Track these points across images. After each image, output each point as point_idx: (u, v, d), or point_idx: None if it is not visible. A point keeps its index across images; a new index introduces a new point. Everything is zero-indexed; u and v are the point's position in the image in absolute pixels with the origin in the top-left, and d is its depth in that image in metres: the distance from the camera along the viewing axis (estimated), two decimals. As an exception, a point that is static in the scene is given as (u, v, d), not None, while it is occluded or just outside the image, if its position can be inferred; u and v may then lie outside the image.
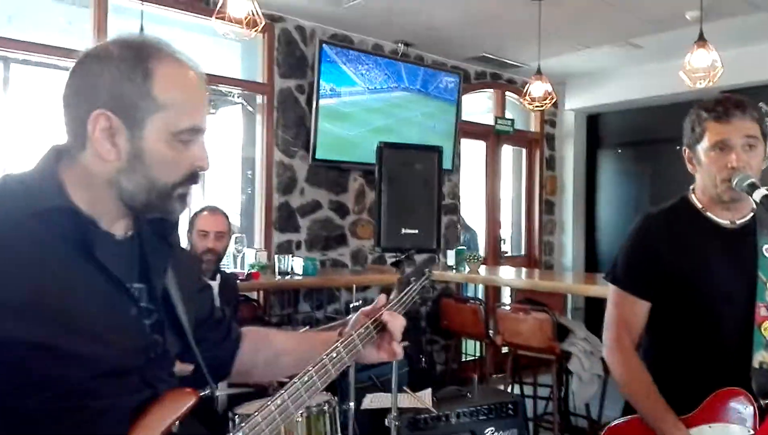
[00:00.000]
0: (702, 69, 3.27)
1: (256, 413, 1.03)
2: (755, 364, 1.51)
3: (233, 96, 4.53)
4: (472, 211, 6.34)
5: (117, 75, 0.94)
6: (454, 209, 5.70)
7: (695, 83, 3.28)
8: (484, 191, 6.22)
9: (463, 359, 5.46)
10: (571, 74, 6.13)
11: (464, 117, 5.71)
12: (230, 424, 2.27)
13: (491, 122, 6.09)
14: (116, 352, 0.95)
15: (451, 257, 4.64)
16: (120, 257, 0.99)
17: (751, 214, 1.60)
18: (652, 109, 5.86)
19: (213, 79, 4.33)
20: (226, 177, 4.70)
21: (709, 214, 1.60)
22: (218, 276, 2.83)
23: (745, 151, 1.52)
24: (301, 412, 2.22)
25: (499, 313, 3.73)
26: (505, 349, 3.91)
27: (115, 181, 0.97)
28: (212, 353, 1.17)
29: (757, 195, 1.44)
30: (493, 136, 6.15)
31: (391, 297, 1.32)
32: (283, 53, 4.48)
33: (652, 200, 6.27)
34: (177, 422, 0.98)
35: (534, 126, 6.59)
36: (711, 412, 1.50)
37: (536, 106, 4.42)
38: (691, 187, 1.67)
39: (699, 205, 1.62)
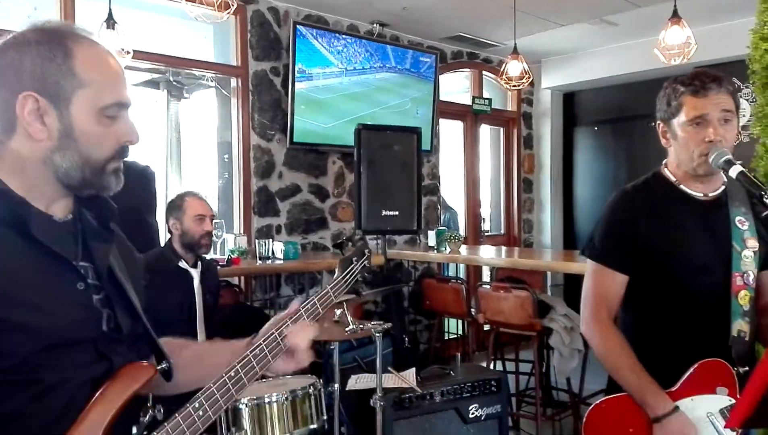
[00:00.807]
0: (676, 46, 3.29)
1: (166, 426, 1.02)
2: (734, 332, 1.54)
3: (206, 79, 4.46)
4: (452, 191, 6.36)
5: (38, 57, 0.97)
6: (434, 190, 5.71)
7: (670, 60, 3.31)
8: (463, 171, 6.23)
9: (446, 338, 5.51)
10: (547, 52, 6.14)
11: (442, 97, 5.70)
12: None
13: (469, 102, 6.08)
14: (65, 324, 0.96)
15: (431, 238, 4.66)
16: (61, 237, 1.01)
17: (723, 187, 1.62)
18: (628, 86, 5.91)
19: (186, 62, 4.26)
20: (203, 161, 4.65)
21: (683, 187, 1.62)
22: (199, 263, 2.80)
23: (721, 124, 1.53)
24: (284, 395, 2.23)
25: (481, 291, 3.76)
26: (487, 327, 3.96)
27: (49, 160, 0.99)
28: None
29: (734, 171, 1.46)
30: (471, 115, 6.14)
31: (334, 277, 1.34)
32: (257, 35, 4.41)
33: (629, 177, 6.34)
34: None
35: (511, 105, 6.60)
36: (692, 384, 1.53)
37: (513, 86, 4.42)
38: (664, 162, 1.68)
39: (673, 179, 1.63)
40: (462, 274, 5.88)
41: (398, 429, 2.68)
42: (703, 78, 1.55)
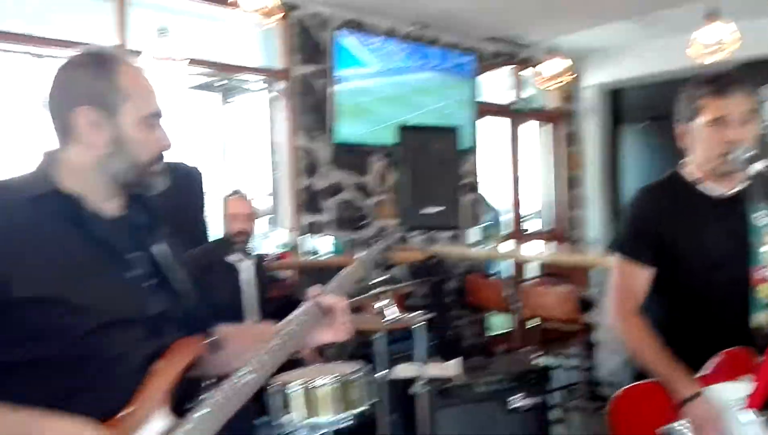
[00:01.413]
0: (713, 43, 3.24)
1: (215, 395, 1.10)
2: (754, 324, 1.57)
3: (248, 83, 4.62)
4: (495, 189, 6.38)
5: (90, 76, 1.13)
6: (474, 188, 5.74)
7: (704, 58, 3.26)
8: (506, 169, 6.24)
9: (491, 334, 5.54)
10: (590, 50, 6.08)
11: (483, 96, 5.73)
12: (264, 393, 2.37)
13: (510, 100, 6.10)
14: (115, 305, 1.09)
15: (474, 234, 4.70)
16: (113, 231, 1.15)
17: (741, 185, 1.63)
18: (676, 83, 5.77)
19: (234, 68, 4.44)
20: (254, 161, 4.82)
21: (701, 186, 1.66)
22: (248, 258, 2.94)
23: (741, 125, 1.56)
24: (334, 379, 2.33)
25: (523, 287, 3.79)
26: (532, 323, 3.98)
27: (103, 164, 1.14)
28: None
29: (756, 167, 1.49)
30: (513, 114, 6.15)
31: (359, 256, 1.43)
32: (300, 40, 4.56)
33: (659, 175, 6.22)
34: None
35: (555, 102, 6.57)
36: (716, 373, 1.57)
37: (550, 84, 4.43)
38: (681, 162, 1.72)
39: (691, 179, 1.67)
40: (506, 271, 5.89)
41: (441, 417, 2.74)
42: (724, 79, 1.58)
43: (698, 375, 1.59)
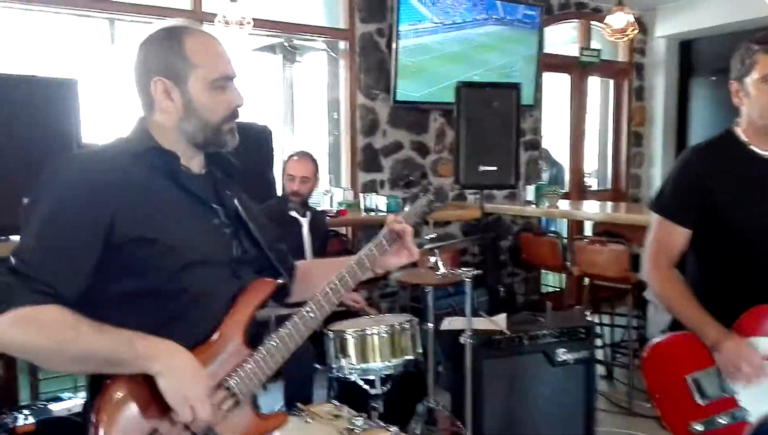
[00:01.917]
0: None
1: (282, 329, 1.32)
2: None
3: (317, 43, 4.74)
4: (558, 145, 6.32)
5: (160, 51, 1.28)
6: (536, 145, 5.73)
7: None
8: (569, 125, 6.16)
9: (545, 292, 5.61)
10: (661, 0, 5.83)
11: (548, 49, 5.63)
12: (325, 338, 2.60)
13: (576, 54, 5.96)
14: (204, 247, 1.28)
15: (530, 192, 4.74)
16: (200, 185, 1.33)
17: None
18: (749, 33, 5.47)
19: (298, 28, 4.58)
20: (315, 121, 5.00)
21: (752, 147, 1.67)
22: (308, 213, 3.14)
23: None
24: (385, 329, 2.52)
25: (577, 245, 3.85)
26: (585, 282, 4.04)
27: (179, 127, 1.29)
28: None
29: None
30: (579, 68, 6.02)
31: (404, 211, 1.57)
32: (363, -2, 4.63)
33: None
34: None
35: (622, 55, 6.37)
36: (749, 327, 1.62)
37: (617, 38, 4.32)
38: (736, 120, 1.73)
39: (743, 138, 1.68)
40: (564, 230, 5.91)
41: (487, 366, 2.90)
42: None
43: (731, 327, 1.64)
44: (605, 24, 4.29)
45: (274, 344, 1.30)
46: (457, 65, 4.89)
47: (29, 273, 1.10)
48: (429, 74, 4.79)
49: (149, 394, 1.15)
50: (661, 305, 1.77)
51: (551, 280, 5.41)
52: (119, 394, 1.15)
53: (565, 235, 5.22)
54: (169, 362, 1.15)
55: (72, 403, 2.56)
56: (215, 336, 1.27)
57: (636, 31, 4.29)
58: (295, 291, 1.54)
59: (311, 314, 1.34)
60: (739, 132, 1.70)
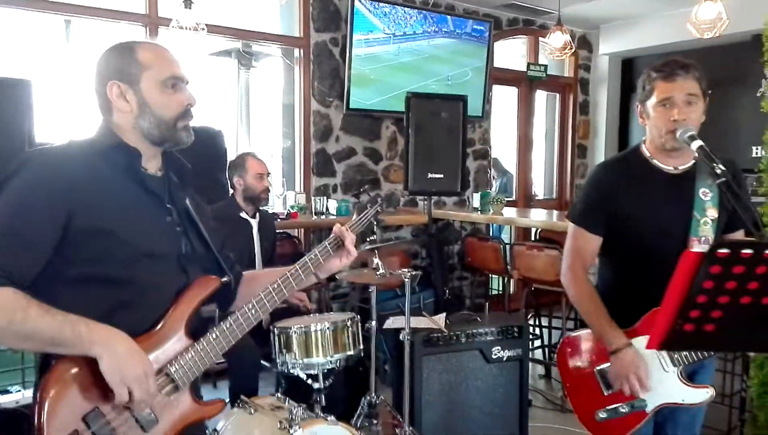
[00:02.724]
0: (708, 20, 3.38)
1: (222, 323, 1.46)
2: None
3: (267, 49, 4.85)
4: (507, 155, 6.57)
5: (114, 58, 1.42)
6: (485, 154, 5.96)
7: (702, 34, 3.41)
8: (516, 136, 6.42)
9: (491, 294, 5.83)
10: (606, 18, 6.16)
11: (498, 64, 5.88)
12: (271, 335, 2.71)
13: (524, 68, 6.22)
14: (156, 241, 1.41)
15: (476, 199, 4.95)
16: (157, 184, 1.46)
17: (693, 161, 1.83)
18: (687, 54, 5.83)
19: (254, 35, 4.68)
20: (269, 125, 5.10)
21: (655, 161, 1.86)
22: (257, 215, 3.25)
23: (686, 106, 1.77)
24: (327, 325, 2.65)
25: (516, 250, 4.05)
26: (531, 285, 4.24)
27: (137, 125, 1.41)
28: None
29: (695, 145, 1.71)
30: (526, 81, 6.29)
31: (352, 219, 1.72)
32: (318, 8, 4.77)
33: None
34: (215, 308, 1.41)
35: (568, 71, 6.68)
36: (647, 325, 1.81)
37: (557, 56, 4.57)
38: (643, 138, 1.93)
39: (647, 154, 1.88)
40: (512, 238, 6.15)
41: (426, 362, 3.06)
42: (673, 65, 1.78)
43: (632, 327, 1.83)
44: (545, 41, 4.53)
45: (215, 336, 1.43)
46: (409, 75, 5.08)
47: None
48: (381, 84, 4.96)
49: (92, 375, 1.26)
50: (575, 305, 1.96)
51: (499, 285, 5.63)
52: (64, 374, 1.26)
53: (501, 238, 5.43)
54: (110, 346, 1.25)
55: (20, 395, 2.61)
56: (159, 326, 1.38)
57: (572, 50, 4.54)
58: (240, 297, 1.65)
59: (252, 311, 1.47)
60: (644, 148, 1.90)
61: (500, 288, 5.55)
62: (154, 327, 1.38)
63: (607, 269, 2.00)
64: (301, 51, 4.77)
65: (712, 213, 1.81)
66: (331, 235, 1.58)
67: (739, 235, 1.84)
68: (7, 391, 2.66)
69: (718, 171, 1.64)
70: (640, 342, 1.82)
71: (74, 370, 1.26)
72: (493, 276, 5.42)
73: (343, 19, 4.82)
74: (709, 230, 1.80)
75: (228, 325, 1.45)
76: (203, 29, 3.83)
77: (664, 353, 1.81)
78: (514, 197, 6.46)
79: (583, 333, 1.98)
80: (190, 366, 1.39)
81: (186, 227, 1.49)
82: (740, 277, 1.24)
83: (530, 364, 4.28)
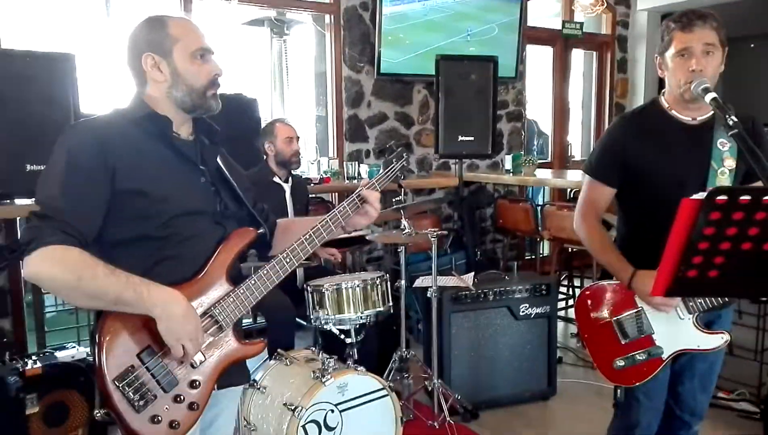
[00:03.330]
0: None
1: (260, 270, 1.56)
2: None
3: (298, 16, 4.90)
4: (543, 116, 6.50)
5: (147, 32, 1.50)
6: (519, 116, 5.92)
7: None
8: (551, 97, 6.34)
9: (528, 257, 5.87)
10: (644, -28, 5.97)
11: (531, 22, 5.78)
12: (305, 293, 2.86)
13: (559, 27, 6.11)
14: (194, 200, 1.51)
15: (508, 161, 4.96)
16: (189, 148, 1.56)
17: (711, 112, 1.83)
18: (727, 6, 5.65)
19: (285, 2, 4.75)
20: (303, 92, 5.19)
21: (673, 112, 1.87)
22: (290, 179, 3.37)
23: (704, 56, 1.77)
24: (358, 283, 2.78)
25: (546, 210, 4.08)
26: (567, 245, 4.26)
27: (169, 94, 1.51)
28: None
29: (708, 97, 1.71)
30: (561, 40, 6.18)
31: (379, 173, 1.79)
32: (348, -28, 4.78)
33: (726, 100, 6.12)
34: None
35: (605, 28, 6.51)
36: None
37: (588, 13, 4.49)
38: (662, 90, 1.94)
39: (666, 105, 1.89)
40: (548, 199, 6.14)
41: (455, 319, 3.17)
42: (690, 15, 1.78)
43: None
44: (573, 1, 4.45)
45: (253, 282, 1.55)
46: (438, 34, 5.04)
47: (56, 216, 1.33)
48: (411, 44, 4.94)
49: (144, 318, 1.39)
50: (589, 251, 2.02)
51: (538, 248, 5.65)
52: (119, 318, 1.39)
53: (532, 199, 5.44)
54: (167, 308, 1.38)
55: (74, 351, 2.84)
56: (202, 274, 1.51)
57: (603, 6, 4.44)
58: (276, 245, 1.77)
59: (287, 259, 1.59)
60: (663, 100, 1.92)
61: (541, 251, 5.57)
62: (197, 275, 1.50)
63: (625, 222, 2.04)
64: (332, 17, 4.81)
65: (730, 163, 1.82)
66: (357, 191, 1.66)
67: (759, 185, 1.85)
68: (64, 347, 2.89)
69: (731, 122, 1.65)
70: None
71: (128, 315, 1.39)
72: (528, 238, 5.45)
73: (373, -18, 4.83)
74: (727, 180, 1.81)
75: (265, 272, 1.57)
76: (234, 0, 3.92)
77: (679, 301, 1.85)
78: (549, 159, 6.41)
79: (600, 284, 2.03)
80: (232, 308, 1.52)
81: (219, 186, 1.60)
82: (740, 223, 1.28)
83: (561, 322, 4.36)
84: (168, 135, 1.51)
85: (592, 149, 2.04)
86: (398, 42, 4.89)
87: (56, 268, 1.31)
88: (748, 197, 1.24)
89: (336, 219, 1.65)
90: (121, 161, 1.40)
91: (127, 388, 1.36)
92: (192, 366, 1.46)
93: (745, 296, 1.70)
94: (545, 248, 5.59)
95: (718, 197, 1.24)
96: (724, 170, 1.83)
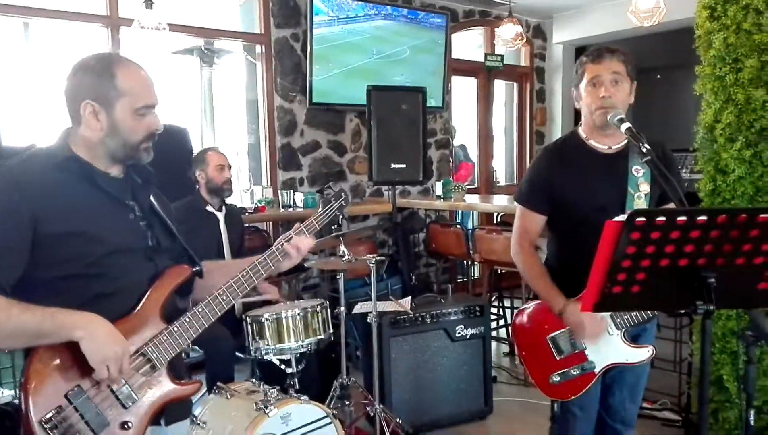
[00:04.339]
0: (648, 9, 3.59)
1: (195, 308, 1.57)
2: None
3: (229, 46, 4.91)
4: (469, 144, 6.74)
5: (93, 79, 1.47)
6: (447, 143, 6.12)
7: (642, 22, 3.62)
8: (476, 125, 6.60)
9: (462, 280, 6.01)
10: (559, 8, 6.38)
11: (456, 55, 6.03)
12: (244, 324, 2.82)
13: (482, 59, 6.40)
14: (123, 237, 1.51)
15: (438, 188, 5.11)
16: (116, 186, 1.55)
17: (625, 141, 2.00)
18: (637, 40, 6.12)
19: (215, 32, 4.74)
20: (234, 121, 5.17)
21: (591, 142, 2.03)
22: (223, 208, 3.35)
23: (612, 85, 1.93)
24: (298, 311, 2.77)
25: (476, 234, 4.23)
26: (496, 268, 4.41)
27: (103, 143, 1.51)
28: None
29: (623, 127, 1.88)
30: (485, 72, 6.47)
31: (318, 210, 1.83)
32: (278, 5, 4.84)
33: (637, 128, 6.58)
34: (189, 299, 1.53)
35: (524, 60, 6.88)
36: None
37: (509, 47, 4.75)
38: (579, 123, 2.10)
39: (583, 136, 2.05)
40: (476, 224, 6.34)
41: (394, 343, 3.22)
42: (601, 49, 1.95)
43: (576, 298, 1.99)
44: (498, 33, 4.71)
45: (187, 319, 1.55)
46: (369, 66, 5.17)
47: None
48: (342, 75, 5.03)
49: (71, 357, 1.37)
50: (523, 277, 2.13)
51: (469, 270, 5.80)
52: (44, 357, 1.36)
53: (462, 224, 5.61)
54: (89, 328, 1.37)
55: (9, 393, 2.68)
56: (134, 312, 1.50)
57: (523, 41, 4.72)
58: (198, 287, 1.74)
59: (223, 296, 1.59)
60: (581, 130, 2.07)
61: (471, 274, 5.73)
62: (129, 313, 1.49)
63: (553, 245, 2.17)
64: (263, 47, 4.84)
65: (645, 188, 1.98)
66: (277, 241, 1.71)
67: (672, 206, 2.02)
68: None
69: (644, 150, 1.81)
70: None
71: (54, 354, 1.37)
72: (460, 261, 5.59)
73: (302, 14, 4.91)
74: (643, 203, 1.97)
75: (200, 309, 1.57)
76: (165, 28, 3.89)
77: (608, 318, 1.98)
78: (476, 184, 6.65)
79: (533, 305, 2.14)
80: (166, 347, 1.51)
81: (151, 222, 1.59)
82: (657, 242, 1.41)
83: (495, 342, 4.50)
84: (92, 176, 1.49)
85: (522, 179, 2.17)
86: (330, 71, 4.97)
87: None
88: (663, 218, 1.37)
89: (274, 257, 1.68)
90: (42, 209, 1.39)
91: (54, 430, 1.33)
92: (123, 407, 1.44)
93: (664, 309, 1.83)
94: (476, 271, 5.77)
95: (638, 219, 1.37)
96: (640, 194, 1.99)
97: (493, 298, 5.06)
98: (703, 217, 1.38)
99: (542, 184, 2.05)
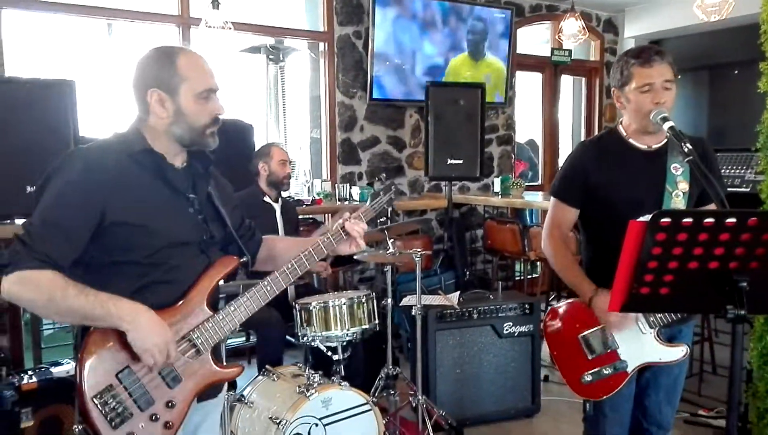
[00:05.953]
0: (714, 3, 3.43)
1: (248, 290, 1.66)
2: None
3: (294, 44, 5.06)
4: (533, 140, 6.65)
5: (156, 67, 1.55)
6: (509, 139, 6.06)
7: (709, 17, 3.46)
8: (541, 121, 6.49)
9: (518, 277, 5.95)
10: (631, 2, 6.16)
11: (521, 50, 5.95)
12: (294, 311, 2.95)
13: (548, 54, 6.27)
14: (181, 230, 1.60)
15: (497, 184, 5.08)
16: (180, 178, 1.63)
17: (665, 140, 1.97)
18: (712, 34, 5.83)
19: (280, 31, 4.91)
20: (298, 116, 5.34)
21: (631, 140, 2.00)
22: (280, 200, 3.49)
23: (664, 91, 1.90)
24: (344, 301, 2.87)
25: (532, 231, 4.19)
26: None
27: (170, 130, 1.58)
28: (244, 246, 1.79)
29: (666, 126, 1.84)
30: (551, 67, 6.35)
31: (367, 204, 1.89)
32: (341, 2, 4.96)
33: (712, 125, 6.29)
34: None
35: (594, 55, 6.69)
36: None
37: (571, 41, 4.65)
38: (620, 120, 2.07)
39: (624, 134, 2.02)
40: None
41: (440, 337, 3.26)
42: (649, 52, 1.91)
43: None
44: (560, 30, 4.62)
45: (233, 308, 1.64)
46: (432, 63, 5.20)
47: (32, 244, 1.43)
48: (404, 72, 5.10)
49: (123, 340, 1.48)
50: (554, 269, 2.12)
51: (526, 267, 5.73)
52: (99, 339, 1.48)
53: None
54: (134, 320, 1.47)
55: (69, 367, 2.91)
56: (182, 301, 1.60)
57: (585, 36, 4.61)
58: (259, 260, 1.86)
59: (267, 287, 1.67)
60: (622, 129, 2.04)
61: (532, 271, 5.66)
62: (178, 302, 1.59)
63: (588, 243, 2.14)
64: (326, 45, 4.97)
65: (684, 186, 1.94)
66: (341, 221, 1.74)
67: (712, 207, 1.96)
68: (59, 363, 2.97)
69: (686, 150, 1.77)
70: None
71: (108, 337, 1.49)
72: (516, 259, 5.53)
73: (365, 11, 5.00)
74: (681, 202, 1.93)
75: (245, 299, 1.66)
76: (230, 27, 4.08)
77: (641, 316, 1.95)
78: (539, 181, 6.55)
79: (565, 304, 2.13)
80: (210, 334, 1.60)
81: (207, 214, 1.67)
82: (685, 244, 1.38)
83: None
84: (161, 169, 1.58)
85: (557, 173, 2.16)
86: (391, 68, 5.03)
87: (28, 289, 1.41)
88: (690, 220, 1.35)
89: (319, 249, 1.72)
90: (111, 197, 1.48)
91: (104, 406, 1.45)
92: (169, 387, 1.54)
93: (696, 311, 1.79)
94: (537, 268, 5.68)
95: (663, 219, 1.35)
96: (678, 193, 1.95)
97: (552, 297, 4.99)
98: (732, 220, 1.35)
99: (578, 177, 2.04)
